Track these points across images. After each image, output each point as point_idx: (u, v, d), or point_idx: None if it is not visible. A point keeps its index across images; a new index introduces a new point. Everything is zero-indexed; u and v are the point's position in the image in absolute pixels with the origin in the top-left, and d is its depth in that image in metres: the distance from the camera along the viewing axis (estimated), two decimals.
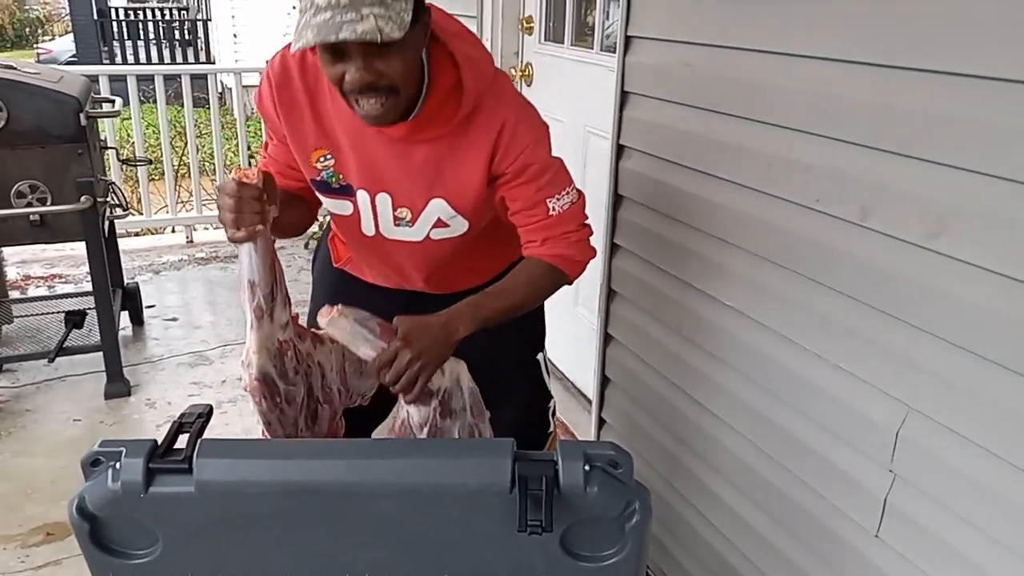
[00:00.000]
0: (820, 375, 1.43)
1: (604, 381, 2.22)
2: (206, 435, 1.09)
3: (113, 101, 3.13)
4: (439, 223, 1.37)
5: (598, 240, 2.23)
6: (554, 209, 1.36)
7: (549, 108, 2.59)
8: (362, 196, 1.34)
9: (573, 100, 2.52)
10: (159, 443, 1.06)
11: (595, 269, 2.28)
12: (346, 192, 1.34)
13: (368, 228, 1.38)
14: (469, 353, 1.51)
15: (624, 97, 1.98)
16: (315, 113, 1.29)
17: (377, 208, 1.35)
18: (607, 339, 2.19)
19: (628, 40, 1.90)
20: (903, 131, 1.24)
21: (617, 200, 2.08)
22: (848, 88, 1.33)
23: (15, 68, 2.72)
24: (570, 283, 1.45)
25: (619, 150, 2.04)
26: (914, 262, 1.24)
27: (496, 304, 1.32)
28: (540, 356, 1.57)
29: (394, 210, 1.35)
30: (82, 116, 2.63)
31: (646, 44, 1.86)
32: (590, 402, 2.39)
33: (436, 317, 1.23)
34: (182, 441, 1.08)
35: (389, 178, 1.31)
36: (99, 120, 3.06)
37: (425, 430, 1.25)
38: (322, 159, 1.31)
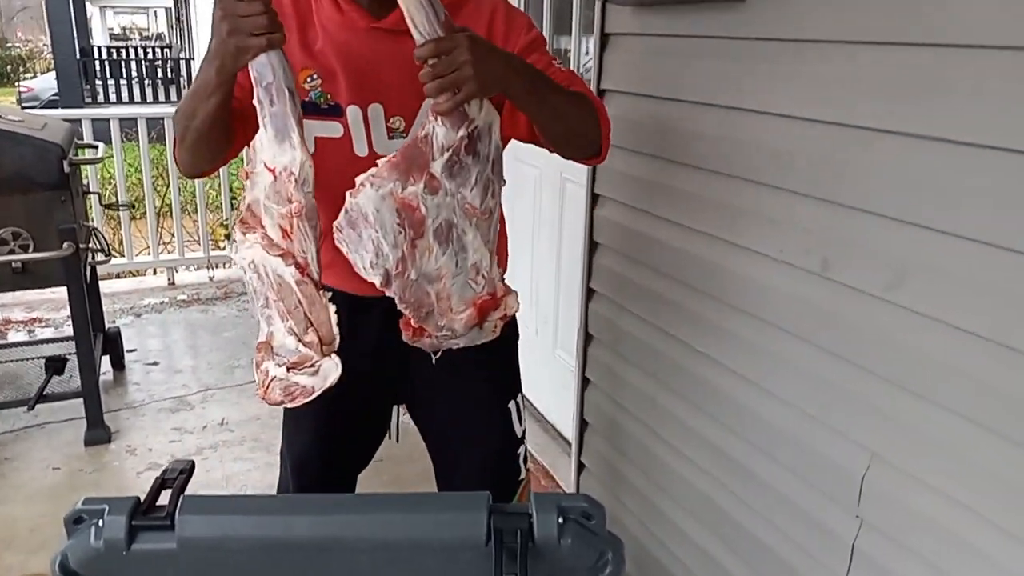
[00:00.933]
0: (788, 421, 1.47)
1: (583, 425, 2.26)
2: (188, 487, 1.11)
3: (96, 147, 3.17)
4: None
5: (574, 286, 2.29)
6: (565, 71, 1.36)
7: (526, 155, 2.65)
8: (353, 112, 1.32)
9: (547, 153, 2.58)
10: (141, 500, 1.08)
11: (572, 312, 2.33)
12: (335, 112, 1.32)
13: (361, 148, 1.34)
14: (441, 396, 1.54)
15: None
16: (303, 38, 1.32)
17: (370, 121, 1.32)
18: (585, 383, 2.23)
19: (601, 92, 1.96)
20: (861, 187, 1.30)
21: (593, 246, 2.13)
22: (808, 144, 1.39)
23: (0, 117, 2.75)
24: (599, 143, 1.35)
25: (594, 198, 2.09)
26: (875, 313, 1.29)
27: (550, 83, 1.25)
28: (512, 403, 1.59)
29: (387, 120, 1.33)
30: (65, 163, 2.66)
31: (617, 97, 1.92)
32: (569, 445, 2.42)
33: (502, 49, 1.20)
34: (165, 496, 1.10)
35: (381, 85, 1.30)
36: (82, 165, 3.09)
37: (446, 155, 1.17)
38: (309, 79, 1.31)
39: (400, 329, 1.46)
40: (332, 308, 1.20)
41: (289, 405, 1.25)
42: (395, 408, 1.64)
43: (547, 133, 1.28)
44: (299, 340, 1.22)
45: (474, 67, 1.08)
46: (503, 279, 1.35)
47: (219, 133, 1.24)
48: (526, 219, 2.76)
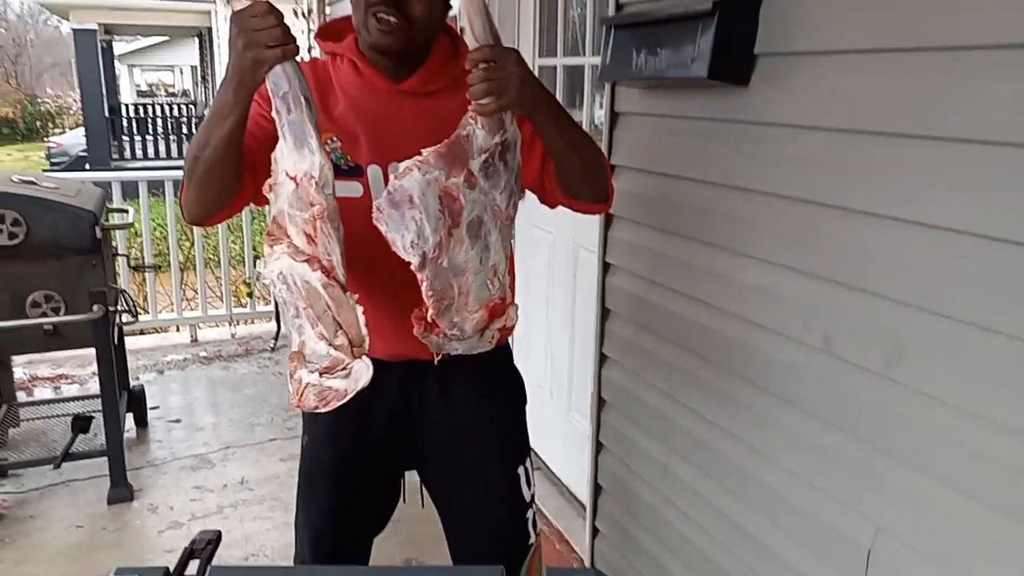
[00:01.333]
0: (795, 491, 1.51)
1: (597, 489, 2.29)
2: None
3: (126, 211, 3.29)
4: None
5: (587, 349, 2.34)
6: None
7: (539, 221, 2.74)
8: (373, 171, 1.38)
9: (562, 215, 2.64)
10: (171, 570, 1.14)
11: (586, 376, 2.38)
12: (355, 172, 1.38)
13: None
14: (451, 461, 1.57)
15: (609, 219, 2.11)
16: (323, 103, 1.38)
17: (390, 179, 1.34)
18: (599, 447, 2.27)
19: (612, 168, 2.04)
20: (860, 266, 1.35)
21: (605, 313, 2.19)
22: (808, 223, 1.45)
23: (35, 183, 2.87)
24: (607, 187, 1.43)
25: (605, 267, 2.16)
26: (876, 388, 1.33)
27: (571, 119, 1.33)
28: (521, 468, 1.63)
29: None
30: (97, 229, 2.77)
31: (626, 172, 2.00)
32: (584, 508, 2.44)
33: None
34: (192, 566, 1.16)
35: (400, 144, 1.34)
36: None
37: (483, 157, 1.24)
38: (330, 141, 1.37)
39: (416, 397, 1.53)
40: (360, 309, 1.22)
41: (323, 409, 1.27)
42: (407, 473, 1.65)
43: (563, 164, 1.33)
44: (329, 344, 1.23)
45: (519, 79, 1.17)
46: (511, 288, 1.41)
47: (231, 163, 1.25)
48: (540, 282, 2.82)
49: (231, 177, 1.27)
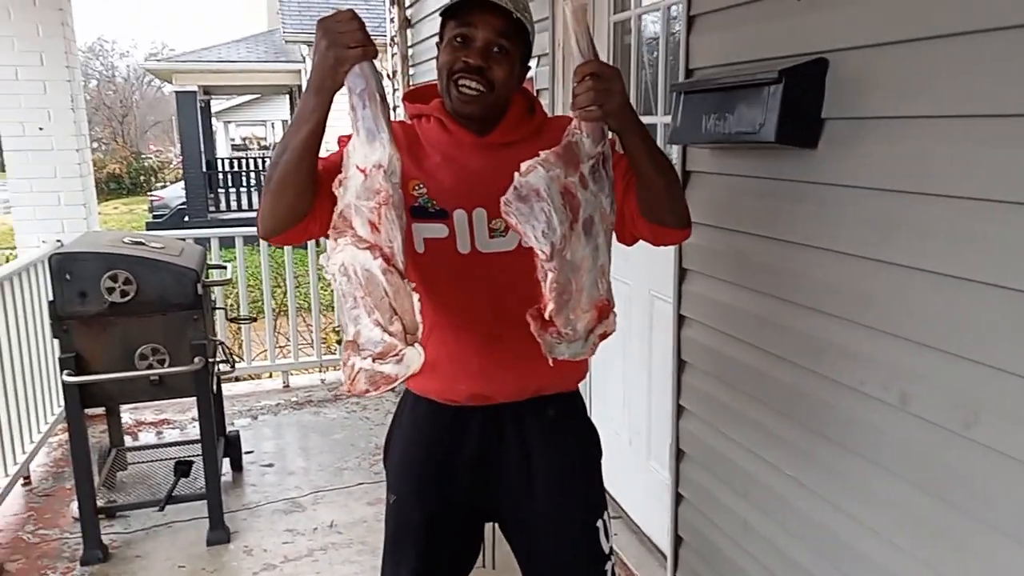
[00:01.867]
0: (876, 550, 1.50)
1: (677, 541, 2.30)
2: None
3: (225, 267, 3.49)
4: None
5: (665, 399, 2.37)
6: None
7: (616, 272, 2.78)
8: (459, 215, 1.46)
9: (637, 266, 2.71)
10: None
11: (664, 425, 2.40)
12: (441, 216, 1.47)
13: (464, 246, 1.47)
14: (532, 514, 1.61)
15: (683, 273, 2.16)
16: (412, 153, 1.48)
17: (474, 224, 1.46)
18: (679, 499, 2.28)
19: None
20: (933, 325, 1.36)
21: (681, 365, 2.22)
22: (881, 283, 1.47)
23: (144, 244, 3.10)
24: (687, 212, 1.48)
25: (680, 319, 2.20)
26: (954, 448, 1.33)
27: (656, 144, 1.40)
28: (600, 522, 1.66)
29: (489, 222, 1.46)
30: (199, 286, 2.96)
31: (699, 228, 2.02)
32: (665, 558, 2.45)
33: None
34: None
35: (485, 192, 1.42)
36: None
37: (590, 162, 1.31)
38: (417, 187, 1.46)
39: (496, 449, 1.57)
40: (416, 297, 1.28)
41: (374, 393, 1.30)
42: (486, 528, 1.70)
43: (649, 185, 1.38)
44: (384, 330, 1.26)
45: (620, 94, 1.27)
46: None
47: (308, 168, 1.30)
48: (618, 331, 2.86)
49: (305, 186, 1.31)
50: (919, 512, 1.40)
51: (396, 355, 1.27)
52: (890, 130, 1.44)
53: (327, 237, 1.35)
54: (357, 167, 1.26)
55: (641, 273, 2.70)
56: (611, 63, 2.84)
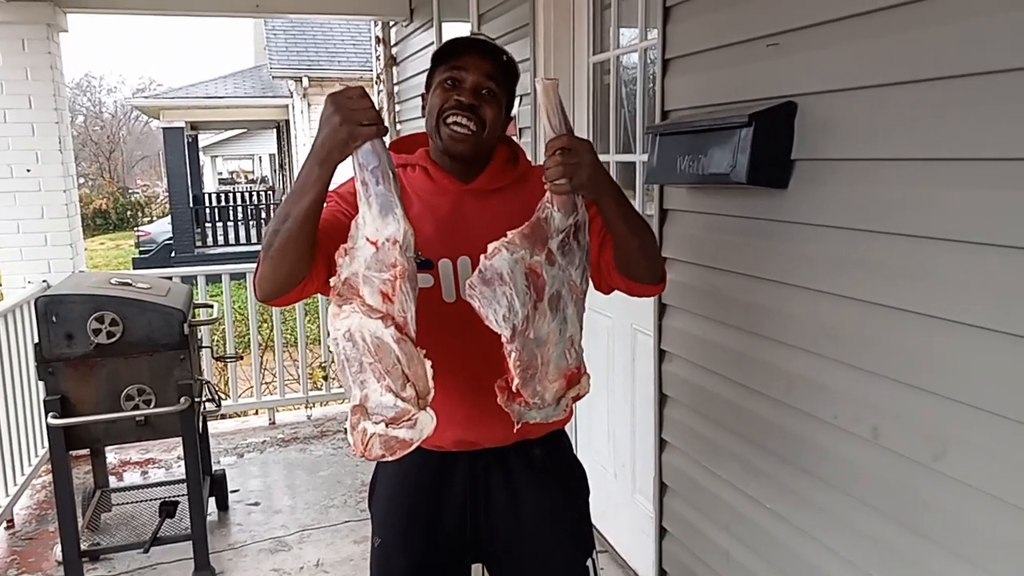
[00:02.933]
0: None
1: (662, 574, 2.31)
2: None
3: (211, 307, 3.50)
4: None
5: (649, 432, 2.39)
6: None
7: (598, 305, 2.82)
8: (444, 265, 1.48)
9: (619, 300, 2.71)
10: None
11: (648, 460, 2.42)
12: (426, 266, 1.48)
13: (449, 294, 1.49)
14: (519, 556, 1.61)
15: (663, 308, 2.20)
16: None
17: (459, 272, 1.48)
18: (663, 532, 2.30)
19: (664, 259, 2.13)
20: (903, 361, 1.40)
21: (663, 399, 2.25)
22: (852, 319, 1.51)
23: (131, 285, 3.11)
24: (662, 268, 1.51)
25: (661, 354, 2.23)
26: (922, 480, 1.37)
27: (631, 206, 1.42)
28: (589, 561, 1.67)
29: (473, 270, 1.44)
30: (185, 326, 2.97)
31: (677, 264, 2.09)
32: None
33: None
34: None
35: (469, 239, 1.46)
36: None
37: (560, 236, 1.34)
38: None
39: (484, 492, 1.57)
40: (428, 363, 1.31)
41: (390, 459, 1.32)
42: (474, 568, 1.70)
43: (624, 245, 1.41)
44: (397, 396, 1.29)
45: (590, 166, 1.29)
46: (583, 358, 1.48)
47: (307, 236, 1.31)
48: (601, 364, 2.90)
49: (305, 251, 1.33)
50: (891, 543, 1.43)
51: (409, 420, 1.30)
52: (856, 171, 1.49)
53: (324, 295, 1.38)
54: (368, 239, 1.28)
55: (623, 307, 2.74)
56: (583, 134, 2.89)
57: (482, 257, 1.31)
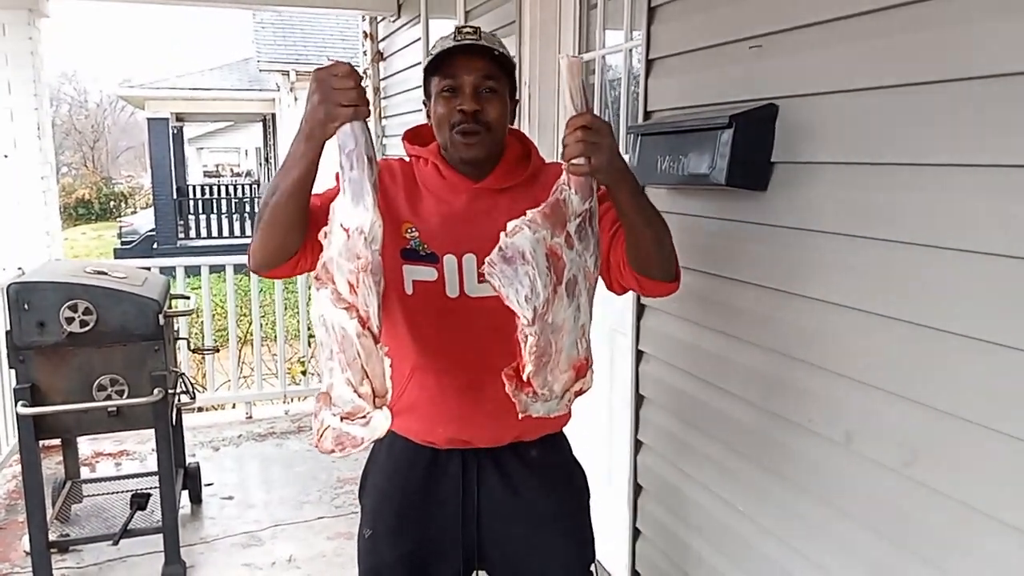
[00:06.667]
0: None
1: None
2: None
3: (188, 298, 3.47)
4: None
5: (623, 436, 2.38)
6: None
7: None
8: (449, 260, 1.47)
9: (598, 299, 2.71)
10: None
11: (623, 462, 2.41)
12: (431, 259, 1.47)
13: (452, 289, 1.48)
14: (521, 561, 1.59)
15: (641, 308, 2.19)
16: (408, 196, 1.50)
17: (464, 268, 1.47)
18: (636, 533, 2.29)
19: None
20: (876, 367, 1.40)
21: (639, 400, 2.25)
22: (829, 324, 1.51)
23: (106, 274, 3.07)
24: (676, 266, 1.47)
25: (639, 355, 2.22)
26: (893, 486, 1.36)
27: (646, 196, 1.41)
28: (593, 566, 1.66)
29: (479, 267, 1.43)
30: (161, 317, 2.93)
31: None
32: None
33: None
34: None
35: (475, 237, 1.44)
36: None
37: (577, 220, 1.30)
38: (410, 230, 1.48)
39: (477, 490, 1.55)
40: (387, 362, 1.29)
41: (339, 454, 1.31)
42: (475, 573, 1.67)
43: (638, 238, 1.37)
44: (355, 391, 1.28)
45: (610, 149, 1.25)
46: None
47: (295, 210, 1.31)
48: None
49: (294, 223, 1.33)
50: (863, 548, 1.43)
51: (364, 417, 1.28)
52: (836, 175, 1.49)
53: None
54: (341, 225, 1.26)
55: (602, 308, 2.71)
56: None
57: (502, 235, 1.26)
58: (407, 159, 1.57)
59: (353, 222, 1.25)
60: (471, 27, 1.46)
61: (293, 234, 1.35)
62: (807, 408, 1.57)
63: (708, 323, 1.89)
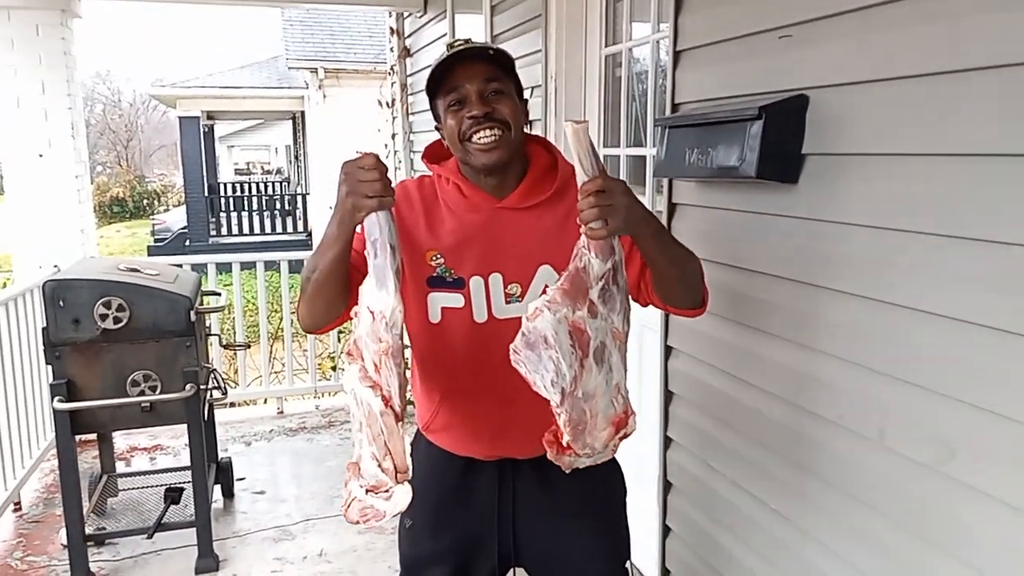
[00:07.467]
0: None
1: (665, 573, 2.29)
2: None
3: (219, 294, 3.50)
4: (545, 292, 1.43)
5: (652, 433, 2.37)
6: None
7: None
8: (475, 282, 1.47)
9: None
10: None
11: (653, 459, 2.40)
12: (458, 285, 1.48)
13: (480, 314, 1.47)
14: (558, 559, 1.59)
15: None
16: (428, 221, 1.50)
17: (490, 289, 1.47)
18: (666, 530, 2.28)
19: None
20: (912, 362, 1.37)
21: (668, 396, 2.23)
22: (862, 319, 1.48)
23: (139, 271, 3.11)
24: (702, 295, 1.48)
25: (667, 350, 2.20)
26: (928, 483, 1.34)
27: (670, 235, 1.43)
28: (628, 564, 1.66)
29: (505, 287, 1.47)
30: (192, 313, 2.97)
31: None
32: None
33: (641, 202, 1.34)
34: None
35: (500, 256, 1.46)
36: None
37: (600, 284, 1.29)
38: (435, 258, 1.48)
39: (513, 487, 1.57)
40: (407, 440, 1.35)
41: (363, 526, 1.37)
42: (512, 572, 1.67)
43: (663, 277, 1.40)
44: (379, 465, 1.34)
45: (626, 208, 1.25)
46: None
47: (335, 285, 1.38)
48: None
49: (335, 296, 1.41)
50: (895, 546, 1.40)
51: (387, 491, 1.35)
52: (869, 167, 1.46)
53: None
54: (368, 308, 1.33)
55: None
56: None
57: (524, 319, 1.28)
58: (429, 176, 1.56)
59: (377, 306, 1.32)
60: (460, 39, 1.46)
61: (336, 302, 1.42)
62: (838, 404, 1.54)
63: (738, 318, 1.87)
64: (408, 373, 1.44)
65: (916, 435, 1.36)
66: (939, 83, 1.30)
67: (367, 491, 1.35)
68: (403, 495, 1.33)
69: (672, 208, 2.10)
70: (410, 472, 1.35)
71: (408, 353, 1.45)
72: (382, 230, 1.30)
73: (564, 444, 1.33)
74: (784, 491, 1.72)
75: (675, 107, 2.05)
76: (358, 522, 1.38)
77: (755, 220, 1.77)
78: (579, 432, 1.33)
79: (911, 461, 1.37)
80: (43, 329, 2.82)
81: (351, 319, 1.46)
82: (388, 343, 1.31)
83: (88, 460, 3.80)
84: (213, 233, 15.57)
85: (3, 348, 3.44)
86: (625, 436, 1.43)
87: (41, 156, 4.17)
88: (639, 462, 2.73)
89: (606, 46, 2.85)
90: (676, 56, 2.05)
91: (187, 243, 15.24)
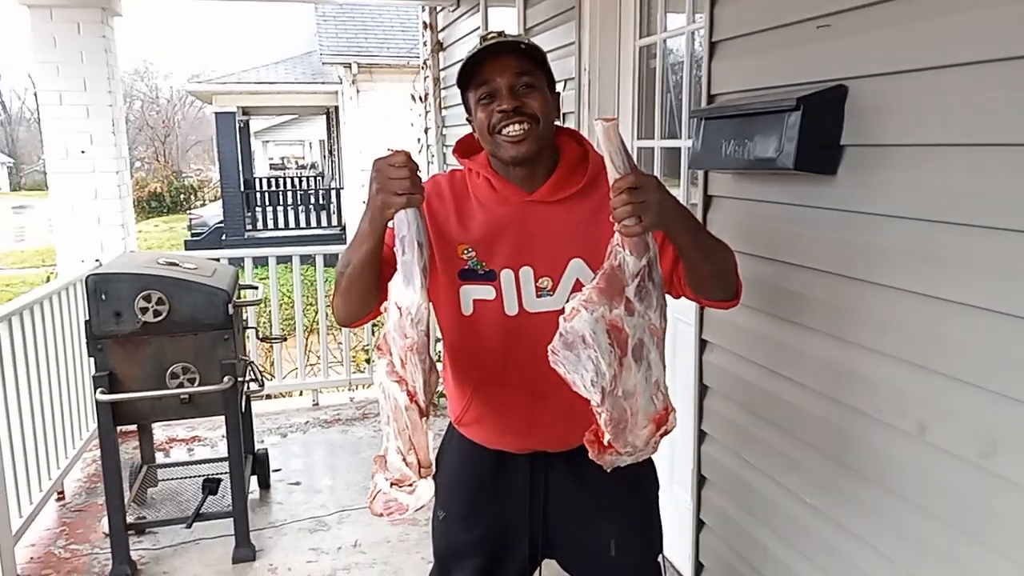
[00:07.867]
0: None
1: (699, 567, 2.28)
2: None
3: (256, 287, 3.55)
4: (577, 286, 1.47)
5: (686, 427, 2.35)
6: None
7: None
8: (506, 275, 1.48)
9: None
10: None
11: (687, 451, 2.38)
12: (489, 277, 1.48)
13: (511, 307, 1.48)
14: (591, 552, 1.60)
15: None
16: (459, 215, 1.51)
17: (521, 282, 1.47)
18: (700, 525, 2.26)
19: None
20: (953, 356, 1.35)
21: (703, 390, 2.21)
22: (903, 313, 1.46)
23: (178, 265, 3.16)
24: (736, 287, 1.47)
25: (702, 344, 2.19)
26: (969, 478, 1.31)
27: (704, 228, 1.44)
28: (661, 558, 1.66)
29: (536, 280, 1.48)
30: (230, 307, 3.01)
31: None
32: None
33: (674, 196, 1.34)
34: None
35: (531, 250, 1.47)
36: None
37: (636, 281, 1.28)
38: (466, 251, 1.49)
39: (545, 479, 1.58)
40: (430, 435, 1.35)
41: (387, 519, 1.38)
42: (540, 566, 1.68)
43: (697, 270, 1.39)
44: (403, 459, 1.36)
45: (659, 204, 1.24)
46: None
47: (367, 280, 1.40)
48: None
49: (368, 291, 1.42)
50: (935, 542, 1.38)
51: (410, 486, 1.37)
52: (911, 158, 1.44)
53: None
54: (396, 304, 1.35)
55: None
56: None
57: (561, 319, 1.27)
58: (460, 169, 1.57)
59: (404, 302, 1.33)
60: (493, 32, 1.46)
61: (369, 296, 1.44)
62: (877, 398, 1.52)
63: (774, 311, 1.85)
64: (440, 367, 1.45)
65: (957, 430, 1.34)
66: (984, 71, 1.28)
67: (392, 484, 1.37)
68: (426, 490, 1.34)
69: (708, 200, 2.09)
70: (433, 468, 1.37)
71: (440, 347, 1.46)
72: (410, 227, 1.32)
73: (606, 443, 1.32)
74: (820, 485, 1.70)
75: (711, 98, 2.03)
76: (382, 515, 1.39)
77: (792, 212, 1.75)
78: (620, 431, 1.32)
79: (952, 456, 1.35)
80: (86, 322, 2.88)
81: (383, 313, 1.48)
82: (413, 339, 1.33)
83: (128, 451, 3.87)
84: (249, 228, 15.76)
85: (48, 341, 3.52)
86: (666, 433, 1.41)
87: (83, 152, 4.26)
88: (673, 456, 2.72)
89: (640, 38, 2.83)
90: (712, 47, 2.03)
91: (223, 237, 15.45)
